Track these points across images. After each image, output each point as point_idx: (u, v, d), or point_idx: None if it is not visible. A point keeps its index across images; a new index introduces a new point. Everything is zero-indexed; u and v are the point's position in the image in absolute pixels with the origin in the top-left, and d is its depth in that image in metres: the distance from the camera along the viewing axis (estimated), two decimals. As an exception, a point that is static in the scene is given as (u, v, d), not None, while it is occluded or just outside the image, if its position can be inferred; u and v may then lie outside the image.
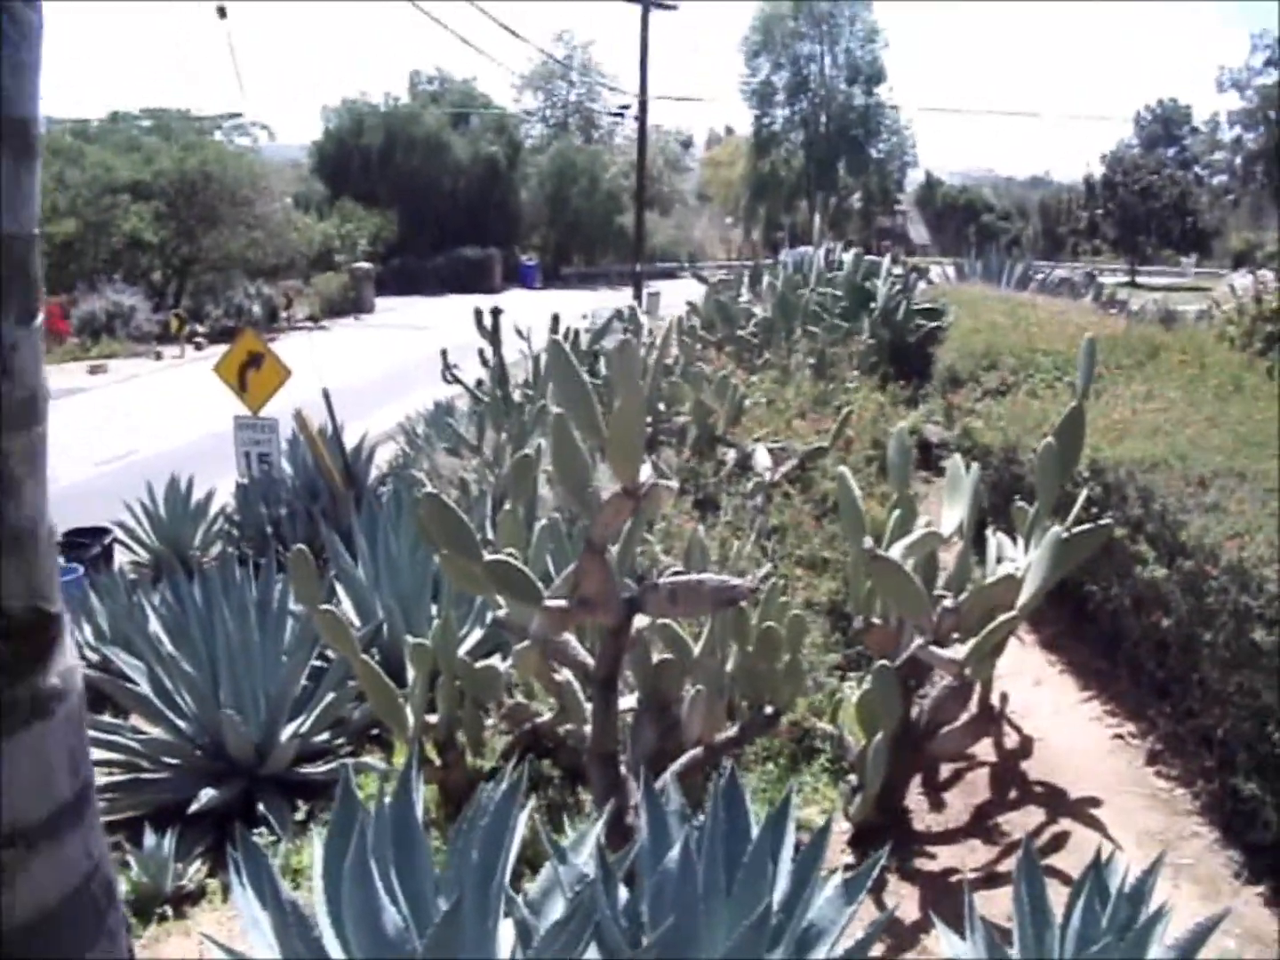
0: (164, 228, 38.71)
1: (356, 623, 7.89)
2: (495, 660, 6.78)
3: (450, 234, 55.59)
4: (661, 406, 11.88)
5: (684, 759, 5.80)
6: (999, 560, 6.66)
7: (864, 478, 9.87)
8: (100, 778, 6.71)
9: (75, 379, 26.80)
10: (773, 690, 6.08)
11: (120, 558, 11.30)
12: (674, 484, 9.60)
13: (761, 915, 3.24)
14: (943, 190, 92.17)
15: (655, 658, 5.88)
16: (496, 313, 11.75)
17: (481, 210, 57.66)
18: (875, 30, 75.89)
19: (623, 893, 3.56)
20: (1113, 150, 75.69)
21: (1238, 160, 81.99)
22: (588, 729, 5.74)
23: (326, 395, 11.37)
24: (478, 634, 7.73)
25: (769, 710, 6.14)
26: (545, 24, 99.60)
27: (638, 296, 34.62)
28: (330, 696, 7.22)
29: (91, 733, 6.78)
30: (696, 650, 5.96)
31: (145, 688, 7.09)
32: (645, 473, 4.89)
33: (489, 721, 6.81)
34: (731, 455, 9.96)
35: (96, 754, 6.86)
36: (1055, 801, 6.54)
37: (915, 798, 6.62)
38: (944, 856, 6.07)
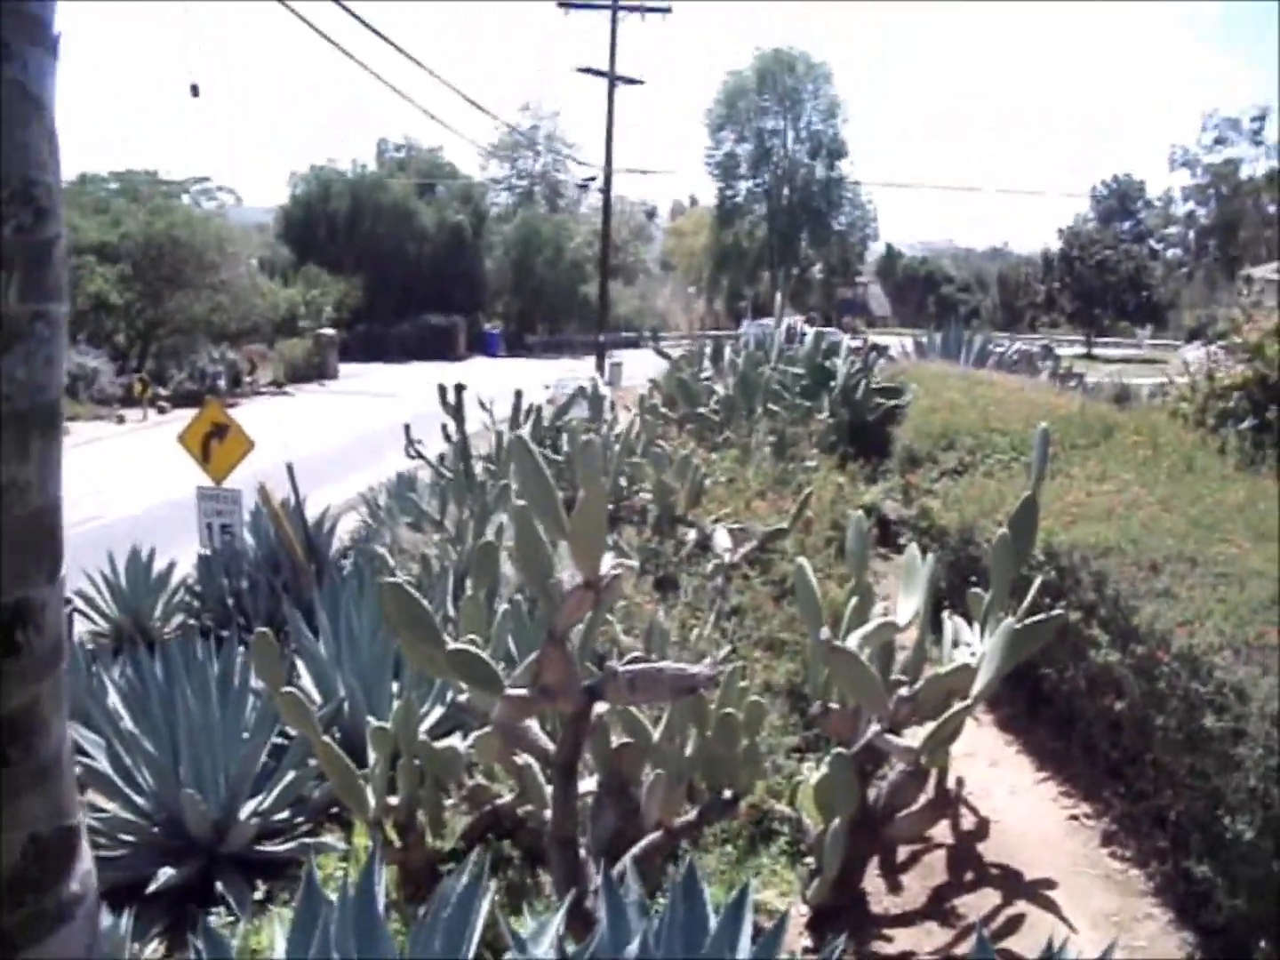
0: (129, 290, 38.78)
1: (318, 699, 7.91)
2: (456, 740, 6.83)
3: (415, 301, 55.88)
4: (623, 484, 12.00)
5: (643, 843, 5.84)
6: (955, 644, 6.77)
7: (823, 559, 9.99)
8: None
9: (35, 442, 26.68)
10: (731, 775, 6.14)
11: (80, 626, 11.27)
12: (634, 563, 9.74)
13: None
14: (903, 262, 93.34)
15: (615, 741, 5.94)
16: (460, 389, 11.85)
17: (446, 278, 58.03)
18: (836, 104, 77.07)
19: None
20: (1069, 225, 76.91)
21: (1191, 235, 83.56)
22: (548, 813, 5.80)
23: (290, 468, 11.42)
24: (439, 711, 7.75)
25: (728, 794, 6.19)
26: (513, 93, 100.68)
27: (600, 367, 34.84)
28: (291, 775, 7.21)
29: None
30: (656, 735, 6.02)
31: (104, 763, 7.07)
32: (607, 564, 5.00)
33: (449, 801, 6.83)
34: (692, 535, 10.05)
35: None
36: (1011, 883, 6.60)
37: (873, 880, 6.66)
38: (901, 940, 6.12)
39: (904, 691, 5.79)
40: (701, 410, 15.21)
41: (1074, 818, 7.36)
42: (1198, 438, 12.47)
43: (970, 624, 6.72)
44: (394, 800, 6.33)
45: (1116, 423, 12.03)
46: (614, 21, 38.30)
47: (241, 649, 7.89)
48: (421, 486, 13.22)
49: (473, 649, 5.26)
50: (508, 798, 6.60)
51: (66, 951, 2.07)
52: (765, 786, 7.05)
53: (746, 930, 3.81)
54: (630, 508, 11.20)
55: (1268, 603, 6.35)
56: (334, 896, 3.73)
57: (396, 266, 55.76)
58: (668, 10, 39.56)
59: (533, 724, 5.70)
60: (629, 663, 6.00)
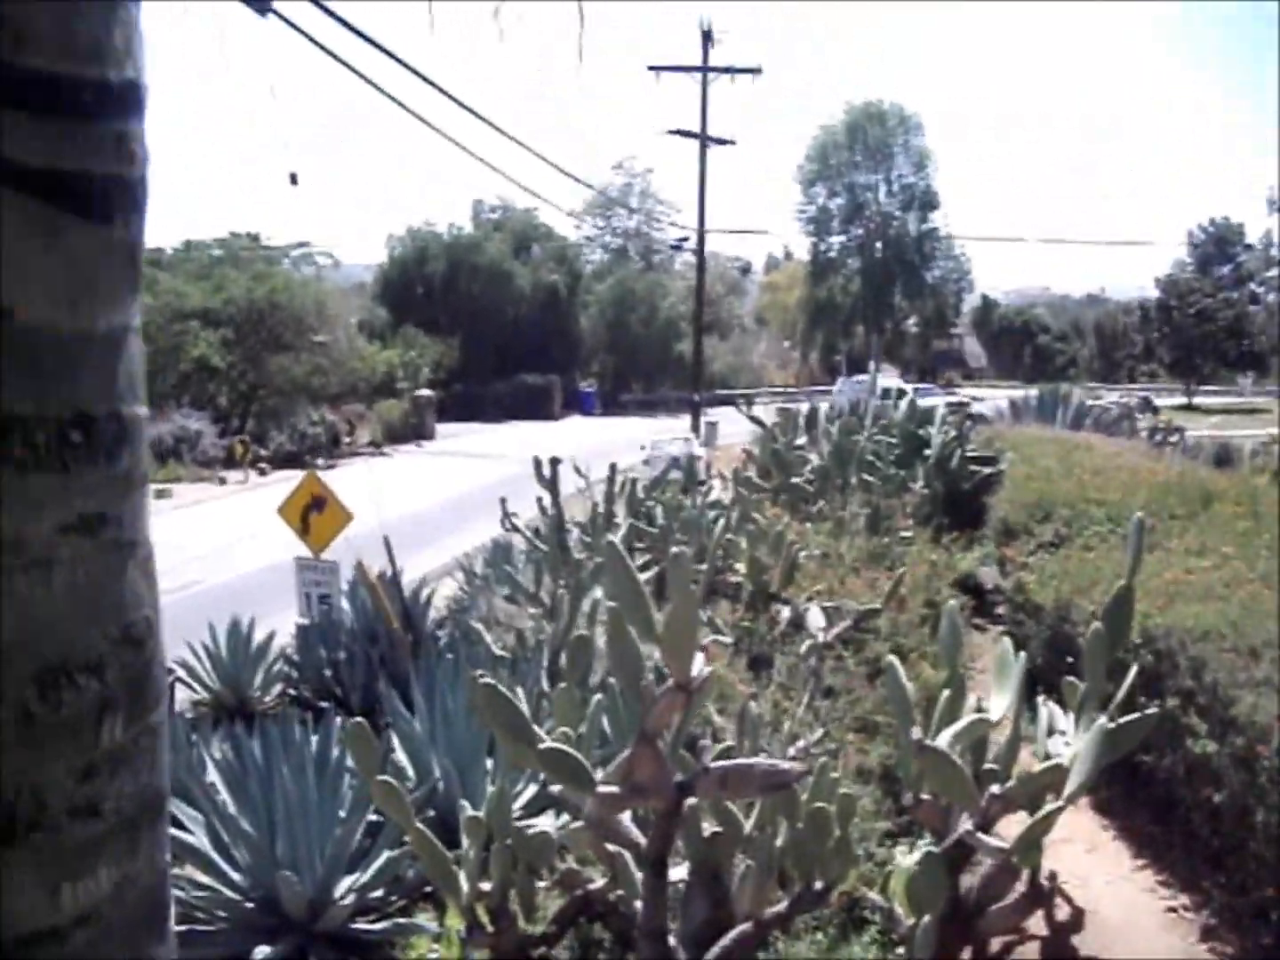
0: (231, 353, 39.56)
1: (413, 778, 8.01)
2: (548, 820, 6.88)
3: (511, 361, 56.42)
4: (719, 556, 12.04)
5: (733, 934, 5.84)
6: (1050, 731, 6.72)
7: (917, 638, 9.94)
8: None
9: (142, 504, 27.24)
10: (823, 866, 6.12)
11: (181, 693, 11.47)
12: (729, 640, 9.76)
13: None
14: (999, 312, 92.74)
15: (706, 830, 5.96)
16: (555, 462, 11.97)
17: (542, 337, 58.58)
18: (927, 155, 76.97)
19: None
20: (1167, 274, 76.04)
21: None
22: (638, 904, 5.84)
23: (386, 541, 11.59)
24: (532, 789, 7.82)
25: (819, 885, 6.17)
26: (609, 153, 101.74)
27: (695, 427, 34.97)
28: (386, 854, 7.29)
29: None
30: (748, 825, 6.03)
31: (203, 839, 7.20)
32: (698, 665, 5.05)
33: (542, 884, 6.86)
34: (785, 613, 10.04)
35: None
36: (1107, 980, 6.51)
37: (966, 973, 6.59)
38: (993, 1038, 6.06)
39: (996, 789, 5.76)
40: (795, 480, 15.20)
41: (1172, 909, 7.23)
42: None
43: (1065, 711, 6.67)
44: (486, 886, 6.39)
45: (1216, 490, 11.85)
46: (704, 84, 38.64)
47: (339, 722, 8.03)
48: (517, 554, 13.33)
49: (564, 748, 5.32)
50: (600, 882, 6.61)
51: None
52: (857, 874, 7.00)
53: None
54: (725, 583, 11.22)
55: (1372, 694, 6.25)
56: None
57: (492, 326, 56.37)
58: (758, 71, 39.81)
59: (624, 817, 5.73)
60: (721, 755, 6.05)
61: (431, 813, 7.71)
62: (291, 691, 11.61)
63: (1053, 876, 7.07)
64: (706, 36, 38.72)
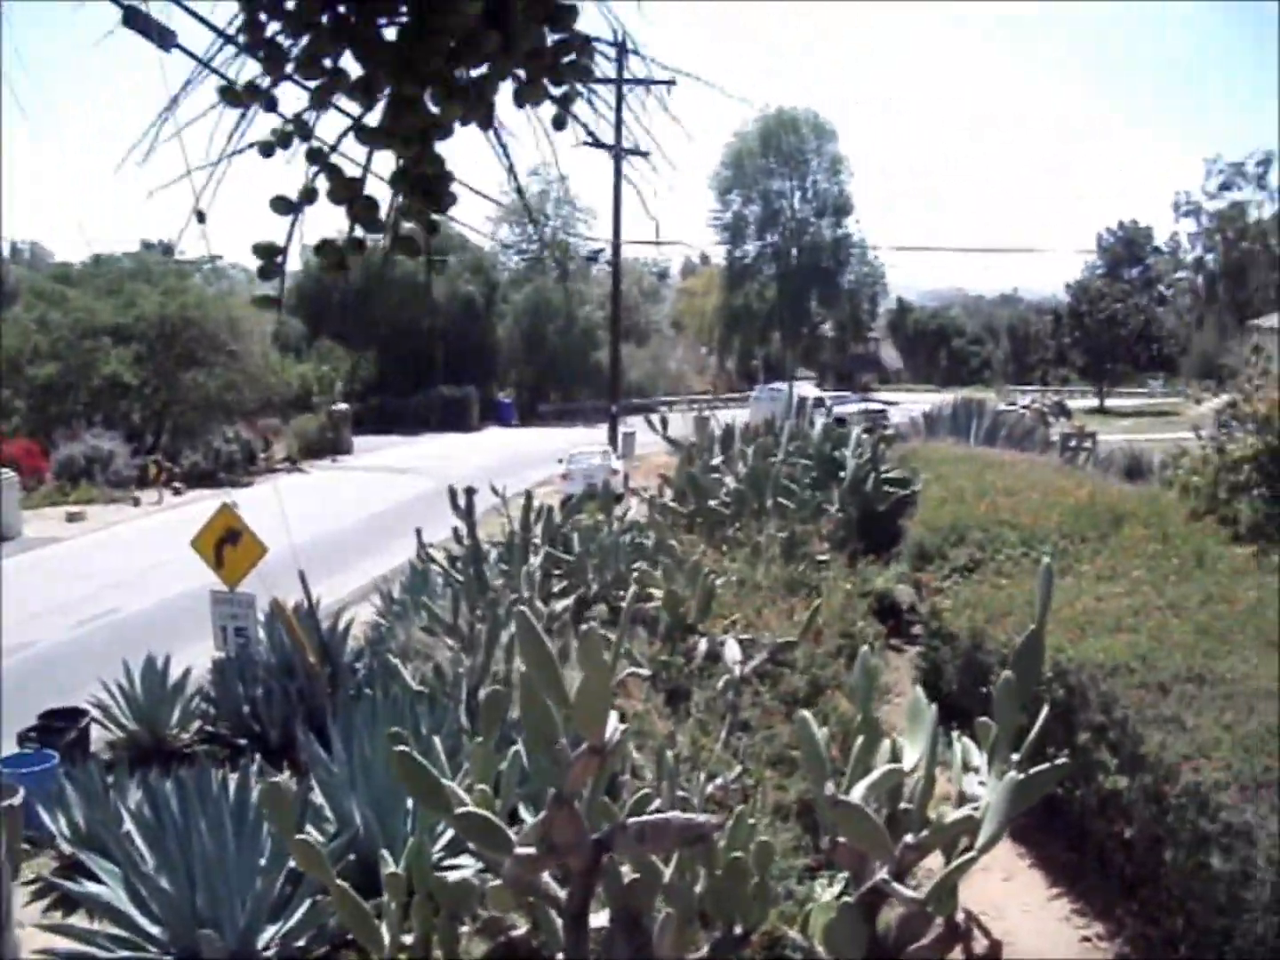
0: (144, 370, 39.02)
1: (332, 821, 7.99)
2: (469, 864, 6.88)
3: (428, 372, 56.05)
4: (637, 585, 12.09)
5: (655, 982, 5.86)
6: (965, 766, 6.82)
7: (834, 669, 10.00)
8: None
9: (53, 527, 26.91)
10: (742, 911, 6.17)
11: (96, 733, 11.33)
12: (646, 672, 9.79)
13: None
14: (914, 316, 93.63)
15: (626, 877, 5.98)
16: (470, 492, 11.95)
17: (459, 348, 58.26)
18: (840, 161, 77.43)
19: None
20: (1077, 279, 77.17)
21: (1200, 280, 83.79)
22: (560, 955, 5.86)
23: (302, 576, 11.52)
24: (452, 831, 7.81)
25: (739, 930, 6.22)
26: (523, 157, 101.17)
27: (613, 439, 35.00)
28: (308, 902, 7.25)
29: (65, 943, 6.86)
30: (667, 873, 6.06)
31: (120, 894, 7.13)
32: (611, 727, 5.09)
33: (464, 929, 6.85)
34: (703, 645, 10.07)
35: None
36: (1023, 1015, 6.61)
37: (886, 1011, 6.65)
38: (914, 1078, 6.11)
39: (910, 839, 5.83)
40: (711, 504, 15.25)
41: (1087, 939, 7.36)
42: (1208, 525, 12.51)
43: (979, 748, 6.77)
44: (409, 938, 6.39)
45: (1126, 511, 12.06)
46: (619, 96, 38.46)
47: (257, 767, 7.99)
48: (434, 578, 13.22)
49: (480, 812, 5.35)
50: (522, 929, 6.62)
51: None
52: (777, 912, 7.04)
53: None
54: (642, 611, 11.25)
55: (1276, 729, 6.38)
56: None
57: (409, 339, 55.85)
58: (672, 83, 39.70)
59: (544, 874, 5.75)
60: (639, 801, 6.09)
61: (352, 856, 7.69)
62: (209, 729, 11.50)
63: (970, 917, 7.16)
64: (620, 48, 38.67)
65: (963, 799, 6.79)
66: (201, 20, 2.04)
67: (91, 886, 7.23)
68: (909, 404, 52.80)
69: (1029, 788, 5.59)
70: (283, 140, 1.87)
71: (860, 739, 6.35)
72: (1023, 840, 8.64)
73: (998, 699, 6.13)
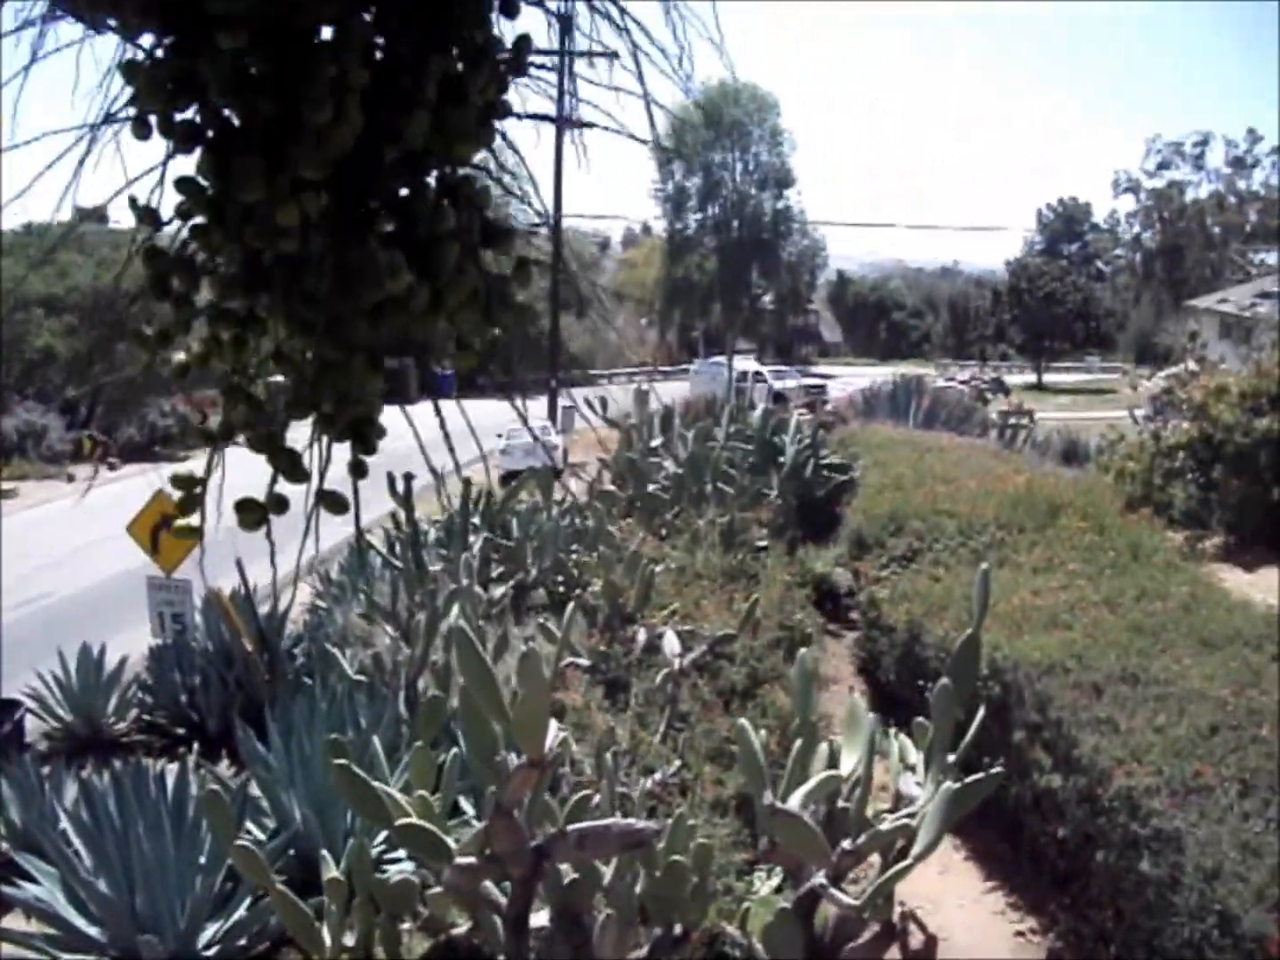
0: (78, 342, 38.50)
1: (271, 816, 7.96)
2: (410, 869, 6.88)
3: (366, 343, 55.67)
4: (574, 572, 12.11)
5: (595, 985, 5.90)
6: (902, 761, 6.92)
7: (772, 662, 10.06)
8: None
9: (-15, 505, 26.55)
10: (681, 911, 6.21)
11: (31, 723, 11.19)
12: (585, 662, 9.80)
13: None
14: (854, 288, 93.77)
15: (567, 877, 6.02)
16: (409, 478, 11.86)
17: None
18: (780, 133, 77.27)
19: None
20: (1016, 257, 77.70)
21: (1137, 258, 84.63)
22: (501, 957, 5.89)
23: (239, 562, 11.39)
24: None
25: (678, 930, 6.26)
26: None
27: (553, 414, 34.88)
28: (249, 901, 7.21)
29: (5, 950, 6.80)
30: (607, 875, 6.09)
31: (58, 895, 7.07)
32: (550, 737, 5.12)
33: (405, 926, 6.85)
34: (642, 636, 10.07)
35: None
36: (959, 1012, 6.70)
37: (823, 1005, 6.72)
38: (850, 1076, 6.19)
39: (847, 845, 5.89)
40: (651, 489, 15.24)
41: (1020, 933, 7.46)
42: (1143, 515, 12.67)
43: (916, 748, 6.86)
44: (350, 940, 6.39)
45: (1063, 502, 12.14)
46: (561, 70, 38.27)
47: (194, 760, 7.94)
48: (373, 561, 13.08)
49: (420, 824, 5.36)
50: (463, 928, 6.64)
51: None
52: (716, 908, 7.10)
53: None
54: (582, 602, 11.26)
55: (1206, 732, 6.48)
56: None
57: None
58: (615, 55, 39.58)
59: (485, 881, 5.77)
60: (578, 805, 6.10)
61: (292, 852, 7.67)
62: (146, 718, 11.38)
63: (906, 913, 7.27)
64: (563, 21, 38.43)
65: (899, 798, 6.89)
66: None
67: (29, 887, 7.16)
68: (848, 378, 53.01)
69: (964, 797, 5.67)
70: (199, 360, 1.84)
71: (799, 742, 6.40)
72: (958, 832, 8.71)
73: (935, 703, 6.21)
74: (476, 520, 13.12)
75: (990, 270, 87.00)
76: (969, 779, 5.92)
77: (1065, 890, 7.25)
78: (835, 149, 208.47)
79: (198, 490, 1.85)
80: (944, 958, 7.22)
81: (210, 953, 6.92)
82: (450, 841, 5.40)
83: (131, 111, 1.83)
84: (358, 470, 1.96)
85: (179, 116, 1.74)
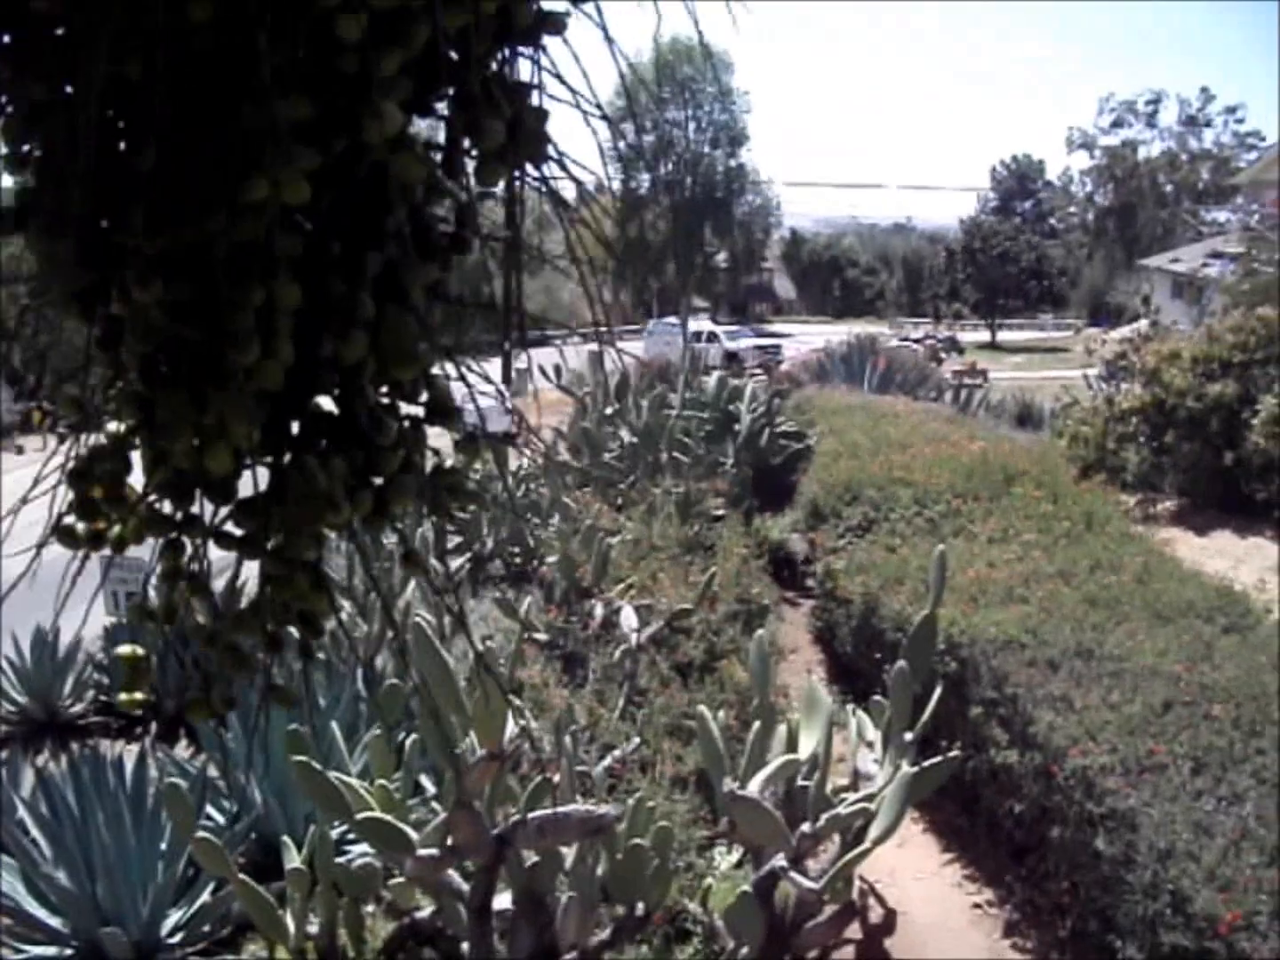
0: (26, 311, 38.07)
1: (231, 807, 7.94)
2: (371, 856, 6.90)
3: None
4: (530, 543, 12.10)
5: (559, 965, 5.94)
6: (860, 737, 6.99)
7: (729, 635, 10.09)
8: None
9: (-67, 478, 26.20)
10: (644, 893, 6.25)
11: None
12: (543, 636, 9.82)
13: None
14: (808, 246, 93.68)
15: (528, 860, 6.05)
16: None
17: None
18: (732, 92, 77.02)
19: None
20: (970, 216, 77.87)
21: (1090, 216, 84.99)
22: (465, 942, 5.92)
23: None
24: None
25: (640, 911, 6.31)
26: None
27: (506, 376, 34.78)
28: (211, 887, 7.19)
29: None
30: (569, 859, 6.13)
31: (17, 887, 7.04)
32: (508, 730, 5.15)
33: (369, 908, 6.87)
34: (599, 611, 10.09)
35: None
36: (918, 986, 6.77)
37: (784, 982, 6.79)
38: (810, 1052, 6.27)
39: (806, 828, 5.95)
40: (606, 458, 15.25)
41: (978, 905, 7.54)
42: (1096, 484, 12.78)
43: (874, 726, 6.93)
44: (314, 928, 6.41)
45: (1018, 471, 12.21)
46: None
47: (150, 743, 7.89)
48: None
49: (381, 817, 5.37)
50: (426, 911, 6.66)
51: None
52: (678, 885, 7.15)
53: None
54: (539, 575, 11.27)
55: (1160, 709, 6.56)
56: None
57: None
58: (566, 15, 39.33)
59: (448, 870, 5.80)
60: (537, 787, 6.12)
61: (254, 835, 7.67)
62: (103, 698, 11.30)
63: (865, 888, 7.34)
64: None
65: (857, 775, 6.95)
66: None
67: (-10, 885, 7.12)
68: (804, 336, 53.04)
69: (922, 782, 5.75)
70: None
71: (757, 724, 6.44)
72: (916, 805, 8.74)
73: (893, 685, 6.27)
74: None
75: (944, 226, 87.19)
76: (926, 763, 5.99)
77: (1022, 862, 7.34)
78: (787, 106, 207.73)
79: (142, 666, 1.80)
80: (903, 931, 7.30)
81: (174, 940, 6.92)
82: (411, 833, 5.41)
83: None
84: (306, 653, 1.89)
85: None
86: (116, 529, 1.67)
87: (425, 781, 7.75)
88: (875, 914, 7.47)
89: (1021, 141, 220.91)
